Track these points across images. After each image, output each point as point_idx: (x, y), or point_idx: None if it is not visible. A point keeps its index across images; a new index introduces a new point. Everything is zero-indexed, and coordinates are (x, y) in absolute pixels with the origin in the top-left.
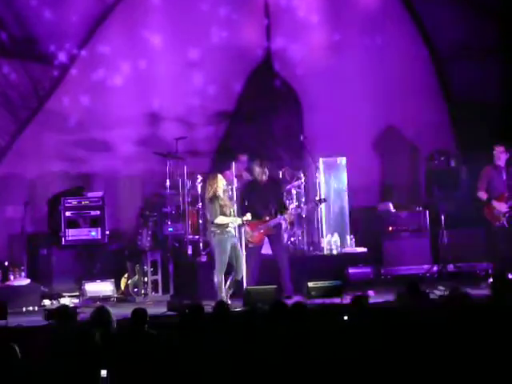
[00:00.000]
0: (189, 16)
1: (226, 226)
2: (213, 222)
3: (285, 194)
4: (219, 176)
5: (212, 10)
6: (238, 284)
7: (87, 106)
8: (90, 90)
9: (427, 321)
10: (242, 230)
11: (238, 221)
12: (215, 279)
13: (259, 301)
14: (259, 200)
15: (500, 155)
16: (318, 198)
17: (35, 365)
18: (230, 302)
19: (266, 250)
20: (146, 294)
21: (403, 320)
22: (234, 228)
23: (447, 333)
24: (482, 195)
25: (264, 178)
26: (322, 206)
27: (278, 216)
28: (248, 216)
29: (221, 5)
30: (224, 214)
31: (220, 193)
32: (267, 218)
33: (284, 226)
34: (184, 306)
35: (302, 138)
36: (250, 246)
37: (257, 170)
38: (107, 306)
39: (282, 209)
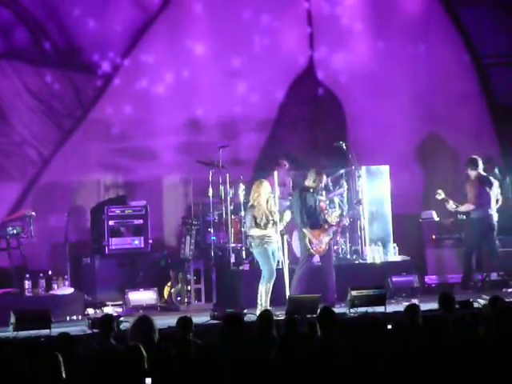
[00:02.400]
0: (231, 25)
1: (263, 236)
2: (247, 233)
3: (327, 201)
4: (264, 183)
5: (254, 19)
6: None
7: (130, 114)
8: (133, 99)
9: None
10: (286, 239)
11: (273, 232)
12: (260, 287)
13: (302, 309)
14: (317, 208)
15: None
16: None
17: (78, 374)
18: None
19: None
20: (189, 303)
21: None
22: (277, 234)
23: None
24: None
25: (321, 186)
26: (361, 209)
27: (333, 223)
28: (285, 220)
29: (263, 13)
30: (260, 224)
31: (261, 201)
32: (326, 227)
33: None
34: (226, 315)
35: (343, 145)
36: (314, 255)
37: (314, 177)
38: (150, 315)
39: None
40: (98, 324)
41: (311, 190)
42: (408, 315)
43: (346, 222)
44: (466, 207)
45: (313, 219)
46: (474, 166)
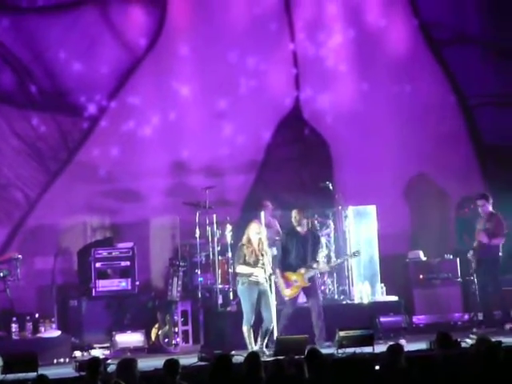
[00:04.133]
0: (217, 66)
1: (249, 274)
2: (234, 270)
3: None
4: (252, 224)
5: (240, 60)
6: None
7: (117, 156)
8: (119, 140)
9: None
10: (274, 279)
11: (261, 272)
12: (243, 329)
13: (291, 350)
14: (298, 251)
15: None
16: (350, 253)
17: None
18: (266, 351)
19: (299, 298)
20: (176, 345)
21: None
22: (265, 276)
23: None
24: None
25: (304, 228)
26: (348, 250)
27: (311, 269)
28: (276, 276)
29: (249, 55)
30: (249, 263)
31: (252, 241)
32: (302, 271)
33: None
34: (214, 357)
35: (329, 185)
36: (286, 298)
37: (298, 219)
38: (134, 357)
39: (315, 261)
40: (85, 367)
41: (294, 230)
42: (390, 356)
43: (325, 269)
44: (499, 241)
45: (287, 261)
46: (489, 199)
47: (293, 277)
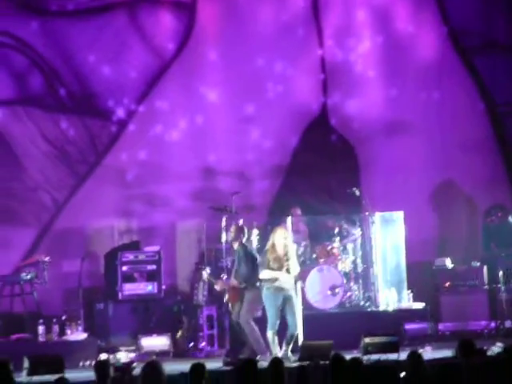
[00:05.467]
0: (245, 71)
1: (273, 279)
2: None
3: (341, 248)
4: (278, 230)
5: (268, 65)
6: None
7: (144, 160)
8: (147, 144)
9: (483, 378)
10: (298, 285)
11: (286, 278)
12: (267, 334)
13: (315, 355)
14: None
15: None
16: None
17: None
18: (292, 356)
19: (324, 304)
20: (201, 349)
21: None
22: (291, 281)
23: None
24: None
25: (236, 244)
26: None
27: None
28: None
29: (277, 60)
30: (273, 268)
31: (277, 245)
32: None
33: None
34: (239, 361)
35: (356, 191)
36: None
37: (233, 235)
38: (160, 361)
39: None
40: (94, 369)
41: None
42: (410, 363)
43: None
44: None
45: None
46: None
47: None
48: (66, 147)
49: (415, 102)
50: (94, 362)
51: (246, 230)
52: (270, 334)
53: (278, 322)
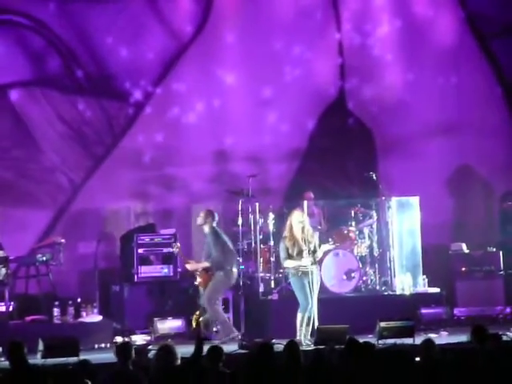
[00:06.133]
0: (262, 54)
1: (296, 267)
2: (282, 266)
3: (357, 232)
4: (294, 213)
5: (285, 49)
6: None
7: (161, 143)
8: (164, 127)
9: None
10: (316, 268)
11: (307, 261)
12: (297, 315)
13: (331, 339)
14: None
15: None
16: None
17: None
18: (310, 339)
19: (340, 288)
20: (217, 332)
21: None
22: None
23: None
24: None
25: (206, 229)
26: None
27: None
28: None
29: (294, 44)
30: (292, 255)
31: (294, 231)
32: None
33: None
34: (255, 345)
35: (373, 175)
36: None
37: (203, 219)
38: (174, 345)
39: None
40: (116, 352)
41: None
42: (423, 350)
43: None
44: None
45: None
46: None
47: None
48: (83, 128)
49: (432, 87)
50: (110, 345)
51: (215, 214)
52: (299, 316)
53: (311, 305)
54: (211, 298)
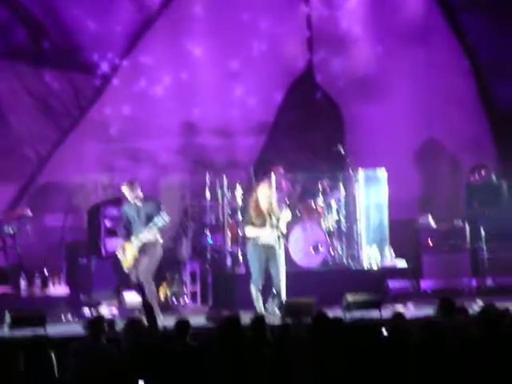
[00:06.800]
0: (230, 27)
1: (257, 236)
2: (243, 232)
3: (325, 206)
4: (261, 185)
5: (253, 22)
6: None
7: (128, 115)
8: (131, 99)
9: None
10: (282, 241)
11: (269, 234)
12: (251, 290)
13: (298, 313)
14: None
15: None
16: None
17: (70, 373)
18: (276, 312)
19: (307, 262)
20: (184, 305)
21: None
22: (275, 237)
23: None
24: None
25: (133, 201)
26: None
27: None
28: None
29: (262, 16)
30: (255, 224)
31: (260, 201)
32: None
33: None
34: (222, 318)
35: (341, 149)
36: None
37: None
38: (141, 318)
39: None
40: (89, 325)
41: (130, 202)
42: (391, 323)
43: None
44: None
45: (126, 231)
46: None
47: (127, 246)
48: (50, 101)
49: (400, 60)
50: (77, 317)
51: (138, 186)
52: (253, 289)
53: (262, 279)
54: (148, 270)
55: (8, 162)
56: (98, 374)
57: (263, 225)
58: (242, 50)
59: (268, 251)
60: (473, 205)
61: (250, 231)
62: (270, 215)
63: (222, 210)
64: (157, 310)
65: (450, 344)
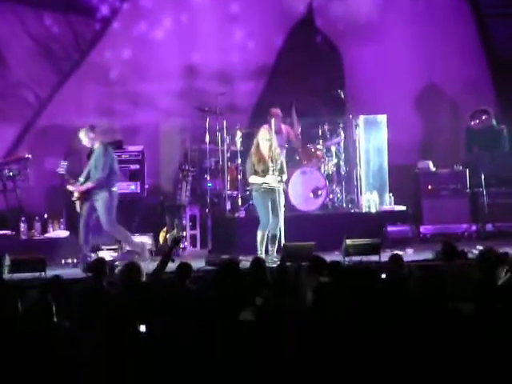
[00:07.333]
0: None
1: (261, 183)
2: (247, 180)
3: (324, 150)
4: (261, 130)
5: None
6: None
7: (128, 59)
8: (131, 43)
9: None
10: (282, 186)
11: (272, 179)
12: (258, 233)
13: (297, 256)
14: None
15: None
16: None
17: (70, 316)
18: (276, 256)
19: (306, 206)
20: (184, 249)
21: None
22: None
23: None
24: None
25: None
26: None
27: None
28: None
29: None
30: (257, 171)
31: (261, 148)
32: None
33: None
34: (221, 261)
35: (341, 93)
36: None
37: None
38: (139, 262)
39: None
40: (91, 267)
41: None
42: (390, 265)
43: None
44: None
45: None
46: None
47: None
48: (50, 44)
49: (401, 4)
50: (76, 260)
51: (97, 129)
52: (260, 233)
53: (271, 222)
54: (110, 220)
55: (8, 104)
56: (100, 315)
57: (266, 171)
58: None
59: (272, 196)
60: (473, 149)
61: (253, 179)
62: (271, 160)
63: (221, 155)
64: (138, 245)
65: (449, 286)
